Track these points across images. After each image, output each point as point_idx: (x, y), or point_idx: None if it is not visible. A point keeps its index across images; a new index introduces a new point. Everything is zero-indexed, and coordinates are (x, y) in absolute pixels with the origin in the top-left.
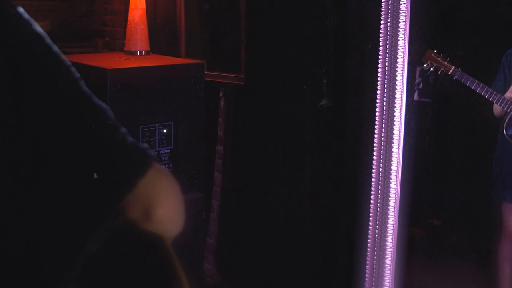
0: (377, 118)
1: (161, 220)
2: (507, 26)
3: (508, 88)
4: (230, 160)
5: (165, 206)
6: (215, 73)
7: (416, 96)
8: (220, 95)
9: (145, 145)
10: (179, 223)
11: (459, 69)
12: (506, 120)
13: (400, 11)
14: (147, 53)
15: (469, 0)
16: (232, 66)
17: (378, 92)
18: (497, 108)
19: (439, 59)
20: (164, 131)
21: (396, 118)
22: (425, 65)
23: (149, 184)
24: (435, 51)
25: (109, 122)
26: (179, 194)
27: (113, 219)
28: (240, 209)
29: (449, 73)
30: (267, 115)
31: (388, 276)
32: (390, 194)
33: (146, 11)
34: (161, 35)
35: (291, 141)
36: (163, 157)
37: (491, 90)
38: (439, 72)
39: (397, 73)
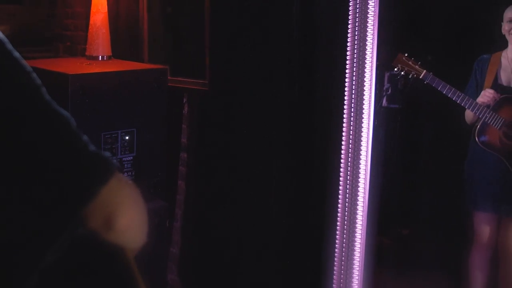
0: (344, 125)
1: (123, 230)
2: (479, 31)
3: (480, 94)
4: (194, 167)
5: (127, 216)
6: (178, 78)
7: (384, 102)
8: (184, 101)
9: (107, 153)
10: (141, 234)
11: (431, 73)
12: (478, 126)
13: (368, 15)
14: (109, 58)
15: (439, 4)
16: (196, 71)
17: (345, 98)
18: (469, 114)
19: (410, 62)
20: (126, 138)
21: (364, 125)
22: (395, 69)
23: (110, 193)
24: (406, 55)
25: (71, 130)
26: (141, 204)
27: (73, 228)
28: (205, 218)
29: (420, 77)
30: (232, 121)
31: (356, 286)
32: (358, 202)
33: (108, 15)
34: (123, 39)
35: (258, 149)
36: (125, 165)
37: (462, 95)
38: (410, 76)
39: (365, 78)
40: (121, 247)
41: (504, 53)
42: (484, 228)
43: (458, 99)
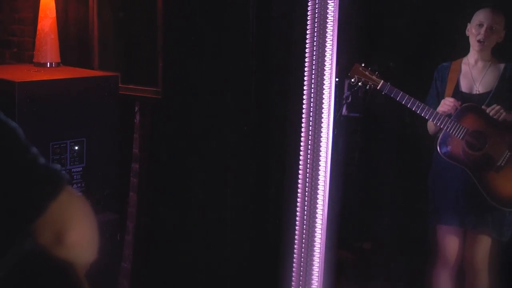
0: (302, 135)
1: (73, 245)
2: (440, 39)
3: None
4: (146, 179)
5: (77, 231)
6: (130, 86)
7: (344, 111)
8: (136, 110)
9: (57, 166)
10: (92, 250)
11: (388, 83)
12: (440, 136)
13: (327, 19)
14: (58, 64)
15: (401, 11)
16: (148, 79)
17: (304, 106)
18: (431, 125)
19: (366, 73)
20: (76, 148)
21: (323, 135)
22: (352, 80)
23: (60, 207)
24: (362, 65)
25: (19, 141)
26: (92, 219)
27: (21, 244)
28: (157, 231)
29: (378, 88)
30: (186, 131)
31: None
32: (317, 215)
33: (57, 20)
34: (72, 45)
35: (212, 159)
36: (75, 176)
37: (422, 105)
38: (367, 87)
39: (324, 86)
40: (71, 263)
41: (465, 59)
42: (448, 242)
43: (418, 109)
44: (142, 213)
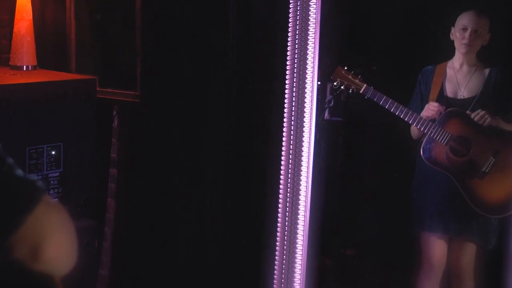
0: (284, 139)
1: (51, 259)
2: (425, 42)
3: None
4: (124, 184)
5: (55, 244)
6: (108, 90)
7: (326, 115)
8: (114, 114)
9: (34, 177)
10: (70, 262)
11: (371, 87)
12: (423, 142)
13: (309, 23)
14: (34, 68)
15: (384, 14)
16: (126, 82)
17: (285, 110)
18: (414, 130)
19: (349, 76)
20: (53, 152)
21: (305, 139)
22: (335, 83)
23: (37, 220)
24: (345, 68)
25: None
26: (71, 230)
27: None
28: (136, 237)
29: (361, 91)
30: (165, 135)
31: None
32: (299, 221)
33: (34, 22)
34: (49, 48)
35: (192, 163)
36: (52, 181)
37: (406, 109)
38: (350, 91)
39: (306, 90)
40: (49, 276)
41: (449, 63)
42: (432, 249)
43: (402, 113)
44: (120, 219)
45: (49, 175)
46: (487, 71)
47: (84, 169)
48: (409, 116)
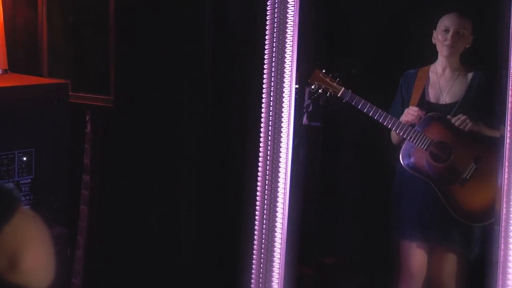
0: (261, 145)
1: (28, 270)
2: (407, 45)
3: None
4: (97, 191)
5: (32, 255)
6: (81, 94)
7: (305, 120)
8: (87, 119)
9: (11, 185)
10: (48, 274)
11: (350, 90)
12: (402, 147)
13: (287, 24)
14: (5, 71)
15: (365, 16)
16: (100, 86)
17: (263, 115)
18: (394, 135)
19: (327, 79)
20: (24, 159)
21: (283, 145)
22: (312, 86)
23: (14, 230)
24: (323, 71)
25: None
26: (48, 240)
27: None
28: (109, 245)
29: (339, 95)
30: (139, 141)
31: None
32: (276, 229)
33: (4, 25)
34: (20, 51)
35: (167, 171)
36: (23, 188)
37: (385, 113)
38: (328, 94)
39: (284, 94)
40: None
41: (432, 68)
42: (412, 258)
43: (380, 118)
44: (94, 227)
45: (20, 181)
46: (470, 75)
47: (56, 176)
48: (388, 120)
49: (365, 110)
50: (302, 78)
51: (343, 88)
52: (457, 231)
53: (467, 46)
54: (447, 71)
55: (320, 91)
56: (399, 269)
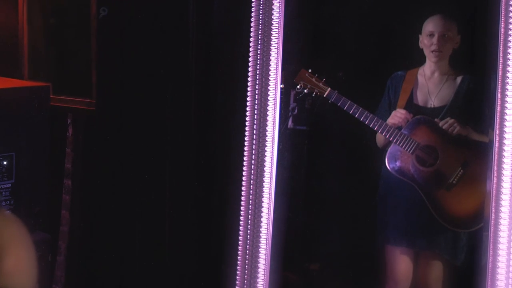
0: (246, 149)
1: (10, 273)
2: (394, 47)
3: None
4: (79, 196)
5: (14, 258)
6: (62, 97)
7: (290, 123)
8: (68, 122)
9: None
10: (30, 277)
11: (336, 91)
12: (388, 150)
13: (272, 26)
14: None
15: (352, 18)
16: (81, 89)
17: (247, 118)
18: (380, 137)
19: (313, 79)
20: (4, 163)
21: (268, 148)
22: (298, 86)
23: None
24: (309, 71)
25: None
26: (30, 244)
27: None
28: (91, 251)
29: (324, 95)
30: (122, 145)
31: None
32: (261, 234)
33: None
34: (0, 53)
35: (150, 176)
36: (3, 193)
37: (371, 115)
38: (314, 94)
39: (269, 97)
40: None
41: (420, 70)
42: (398, 263)
43: (366, 119)
44: (75, 233)
45: (0, 186)
46: (459, 79)
47: (37, 180)
48: (374, 122)
49: (351, 112)
50: (287, 80)
51: (329, 89)
52: (443, 237)
53: (455, 47)
54: (436, 74)
55: (305, 91)
56: (385, 275)
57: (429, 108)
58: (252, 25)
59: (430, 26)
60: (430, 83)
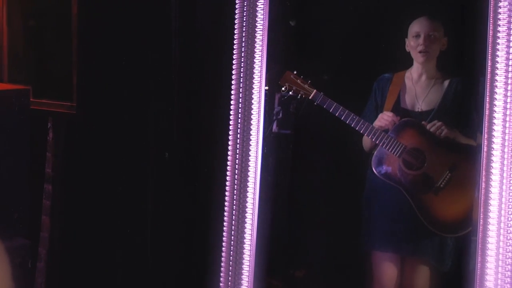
0: (230, 153)
1: None
2: (380, 49)
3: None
4: (60, 201)
5: None
6: (42, 101)
7: (275, 128)
8: (49, 126)
9: None
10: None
11: (322, 93)
12: (375, 153)
13: (256, 28)
14: None
15: (338, 20)
16: (62, 93)
17: (231, 122)
18: (366, 140)
19: (298, 81)
20: None
21: (252, 153)
22: (283, 88)
23: None
24: (294, 72)
25: None
26: (3, 253)
27: None
28: (72, 257)
29: (310, 97)
30: (103, 149)
31: None
32: (245, 240)
33: None
34: None
35: (131, 180)
36: None
37: (357, 118)
38: (299, 97)
39: (253, 101)
40: None
41: (408, 73)
42: (384, 269)
43: (353, 122)
44: (56, 238)
45: None
46: (447, 82)
47: (17, 185)
48: (361, 125)
49: (337, 114)
50: (272, 84)
51: (314, 90)
52: (430, 242)
53: (442, 49)
54: (423, 78)
55: (290, 93)
56: (371, 281)
57: (416, 112)
58: (236, 26)
59: (416, 27)
60: (417, 87)
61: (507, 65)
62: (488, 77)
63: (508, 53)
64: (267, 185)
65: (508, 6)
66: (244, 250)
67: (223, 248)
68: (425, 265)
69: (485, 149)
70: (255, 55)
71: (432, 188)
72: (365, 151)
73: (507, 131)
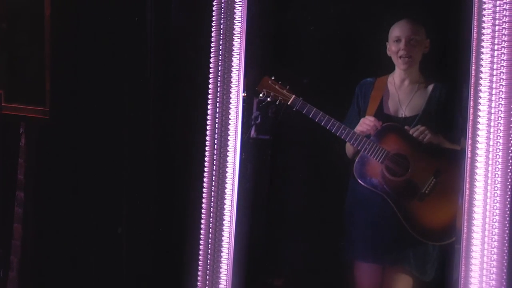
0: (207, 159)
1: None
2: (360, 53)
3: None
4: (32, 208)
5: None
6: (14, 105)
7: (253, 133)
8: (21, 131)
9: None
10: None
11: (301, 98)
12: (357, 160)
13: (234, 31)
14: None
15: (318, 24)
16: (35, 97)
17: (208, 127)
18: (349, 147)
19: (276, 87)
20: None
21: (230, 159)
22: (261, 95)
23: None
24: (272, 78)
25: None
26: None
27: None
28: (45, 267)
29: (289, 103)
30: (77, 155)
31: None
32: (222, 248)
33: None
34: None
35: (106, 188)
36: None
37: (338, 123)
38: (277, 103)
39: (230, 105)
40: None
41: (390, 78)
42: (364, 279)
43: (333, 128)
44: (28, 247)
45: None
46: (430, 87)
47: None
48: (341, 130)
49: (317, 120)
50: (250, 88)
51: (293, 96)
52: (412, 251)
53: (425, 52)
54: (406, 83)
55: (269, 99)
56: None
57: (400, 117)
58: (213, 30)
59: (396, 31)
60: (400, 93)
61: (492, 68)
62: (472, 81)
63: (492, 56)
64: (245, 192)
65: (493, 8)
66: (222, 259)
67: (200, 257)
68: (407, 275)
69: (469, 155)
70: (232, 58)
71: (416, 194)
72: (348, 157)
73: (491, 136)
